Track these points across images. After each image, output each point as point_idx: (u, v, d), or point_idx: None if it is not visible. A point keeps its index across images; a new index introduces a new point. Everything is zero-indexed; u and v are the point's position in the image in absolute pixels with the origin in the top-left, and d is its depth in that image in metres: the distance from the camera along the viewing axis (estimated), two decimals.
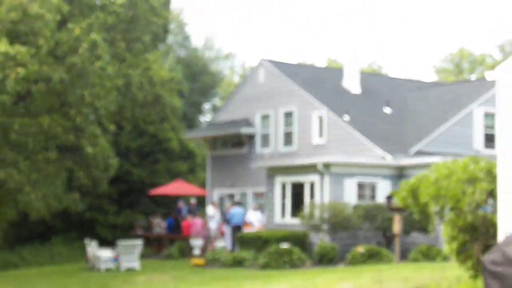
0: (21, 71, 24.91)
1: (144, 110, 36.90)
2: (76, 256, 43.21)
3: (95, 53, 28.44)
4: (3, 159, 29.43)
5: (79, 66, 28.12)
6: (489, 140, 33.20)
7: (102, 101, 29.13)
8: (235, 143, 39.73)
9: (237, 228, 32.20)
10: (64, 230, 46.54)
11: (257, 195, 37.06)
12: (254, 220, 32.74)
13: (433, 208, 13.05)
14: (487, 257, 9.05)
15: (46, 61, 27.56)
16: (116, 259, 30.12)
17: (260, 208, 34.12)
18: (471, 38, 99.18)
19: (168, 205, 45.89)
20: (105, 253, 30.52)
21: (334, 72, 42.04)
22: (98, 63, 28.35)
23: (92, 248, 31.17)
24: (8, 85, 24.64)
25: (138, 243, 30.47)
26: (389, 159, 30.64)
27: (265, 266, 26.45)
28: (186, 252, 33.31)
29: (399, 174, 30.15)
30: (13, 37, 27.58)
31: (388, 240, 28.22)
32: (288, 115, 36.70)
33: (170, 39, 69.21)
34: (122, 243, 30.17)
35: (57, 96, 30.26)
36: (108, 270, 29.63)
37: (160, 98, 37.81)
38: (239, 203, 34.54)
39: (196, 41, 77.62)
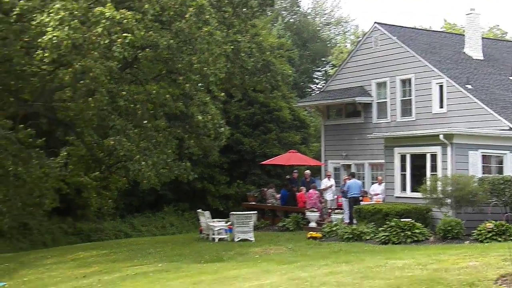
0: (127, 36, 24.37)
1: (253, 77, 36.16)
2: (188, 226, 43.37)
3: (202, 18, 27.86)
4: (112, 126, 29.24)
5: (186, 32, 27.51)
6: None
7: (211, 67, 28.44)
8: (350, 112, 38.79)
9: (354, 201, 31.32)
10: (175, 200, 46.69)
11: (374, 167, 35.98)
12: (380, 193, 31.75)
13: None
14: None
15: (152, 27, 27.06)
16: (230, 230, 29.69)
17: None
18: None
19: (280, 176, 45.33)
20: (219, 224, 30.15)
21: (453, 38, 40.68)
22: (205, 28, 27.69)
23: (206, 218, 30.86)
24: (115, 51, 24.12)
25: (252, 214, 29.98)
26: None
27: (386, 241, 25.96)
28: (301, 224, 32.70)
29: None
30: (118, 2, 27.27)
31: None
32: (405, 83, 35.46)
33: (278, 4, 68.42)
34: (235, 214, 29.77)
35: (164, 62, 29.92)
36: (222, 240, 29.27)
37: (270, 65, 36.96)
38: (353, 174, 33.72)
39: (306, 6, 76.17)
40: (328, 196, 34.59)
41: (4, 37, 27.20)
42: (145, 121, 30.86)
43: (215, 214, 37.87)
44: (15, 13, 25.03)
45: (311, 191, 33.86)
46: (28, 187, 33.19)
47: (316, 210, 32.74)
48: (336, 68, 46.25)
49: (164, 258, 25.05)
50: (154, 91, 30.73)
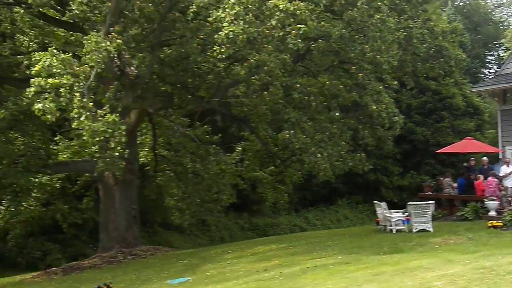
0: (301, 28, 24.47)
1: (426, 64, 35.46)
2: (362, 219, 43.14)
3: (374, 5, 27.61)
4: (287, 119, 29.54)
5: (358, 20, 27.37)
6: None
7: (384, 55, 28.15)
8: None
9: None
10: (348, 193, 46.70)
11: None
12: None
13: None
14: None
15: (324, 17, 27.08)
16: (407, 221, 29.32)
17: None
18: None
19: (455, 165, 44.37)
20: (396, 215, 29.85)
21: None
22: (377, 15, 27.44)
23: (382, 209, 30.63)
24: (290, 43, 24.29)
25: (430, 204, 29.43)
26: None
27: None
28: (480, 213, 31.79)
29: None
30: None
31: None
32: None
33: None
34: (413, 205, 29.34)
35: (335, 53, 29.84)
36: (399, 231, 28.98)
37: (443, 50, 36.10)
38: None
39: None
40: (508, 183, 33.39)
41: (181, 35, 28.02)
42: (337, 114, 31.08)
43: (390, 206, 37.50)
44: (191, 11, 25.65)
45: (489, 178, 32.84)
46: (206, 183, 34.08)
47: (495, 198, 31.74)
48: (511, 51, 44.69)
49: (343, 250, 24.97)
50: (327, 83, 30.78)
